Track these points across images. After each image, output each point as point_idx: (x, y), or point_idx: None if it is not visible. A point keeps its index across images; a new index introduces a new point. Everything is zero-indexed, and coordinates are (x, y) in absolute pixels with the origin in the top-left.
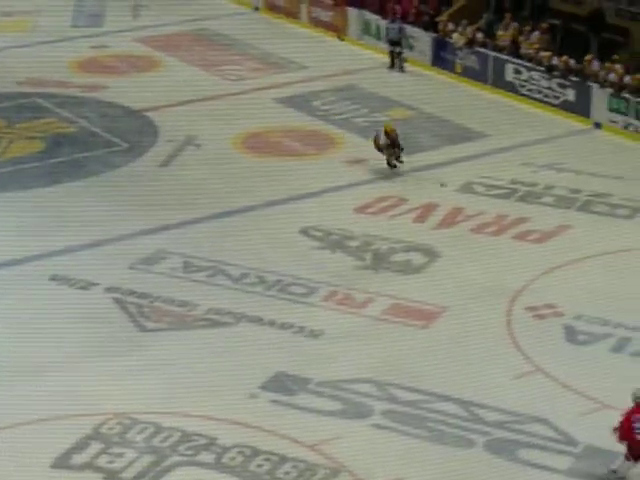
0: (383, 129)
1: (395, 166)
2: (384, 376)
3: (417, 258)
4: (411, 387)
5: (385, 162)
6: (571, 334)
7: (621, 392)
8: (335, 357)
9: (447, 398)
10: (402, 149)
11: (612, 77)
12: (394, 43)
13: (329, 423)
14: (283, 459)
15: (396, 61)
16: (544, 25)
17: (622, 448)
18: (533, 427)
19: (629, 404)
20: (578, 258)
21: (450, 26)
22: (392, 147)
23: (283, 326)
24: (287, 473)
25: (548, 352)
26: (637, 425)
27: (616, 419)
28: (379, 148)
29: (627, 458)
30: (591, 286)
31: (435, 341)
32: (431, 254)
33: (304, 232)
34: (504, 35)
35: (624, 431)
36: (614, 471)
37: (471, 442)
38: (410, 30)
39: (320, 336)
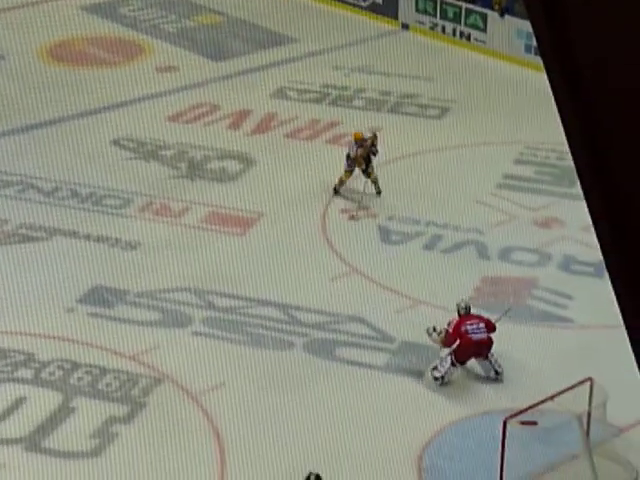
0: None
1: (380, 192)
2: (203, 284)
3: (232, 165)
4: (230, 294)
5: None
6: (385, 234)
7: (434, 288)
8: (153, 267)
9: (266, 302)
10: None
11: None
12: None
13: (149, 333)
14: (104, 371)
15: None
16: None
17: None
18: (350, 326)
19: (442, 300)
20: (389, 159)
21: None
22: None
23: (99, 239)
24: (108, 385)
25: (363, 253)
26: (471, 328)
27: (429, 316)
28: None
29: (453, 364)
30: (403, 186)
31: (252, 247)
32: (246, 161)
33: (116, 143)
34: None
35: (457, 335)
36: (438, 378)
37: (291, 344)
38: None
39: (137, 247)
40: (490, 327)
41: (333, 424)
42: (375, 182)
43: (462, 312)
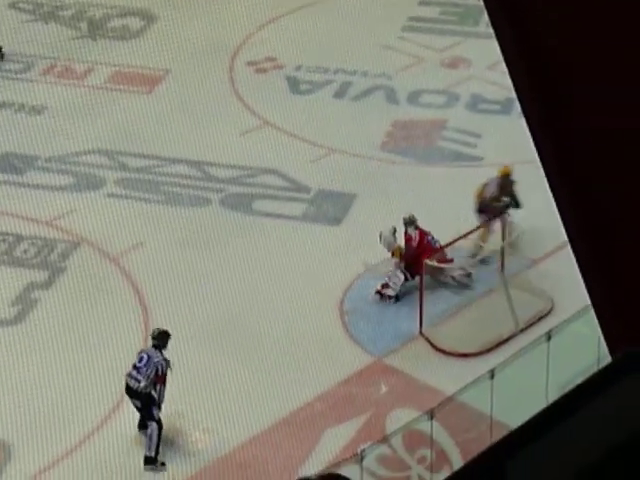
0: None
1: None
2: (113, 145)
3: (134, 22)
4: (142, 153)
5: None
6: (294, 85)
7: (347, 136)
8: (61, 131)
9: (179, 160)
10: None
11: None
12: None
13: (63, 198)
14: (19, 238)
15: None
16: None
17: None
18: (265, 179)
19: (356, 147)
20: (292, 9)
21: None
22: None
23: (3, 105)
24: (25, 251)
25: (273, 105)
26: (432, 240)
27: (343, 163)
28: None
29: (407, 278)
30: (307, 36)
31: (161, 105)
32: (148, 17)
33: (13, 6)
34: None
35: (421, 248)
36: (392, 296)
37: (207, 200)
38: None
39: (43, 112)
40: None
41: (254, 276)
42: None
43: (408, 224)
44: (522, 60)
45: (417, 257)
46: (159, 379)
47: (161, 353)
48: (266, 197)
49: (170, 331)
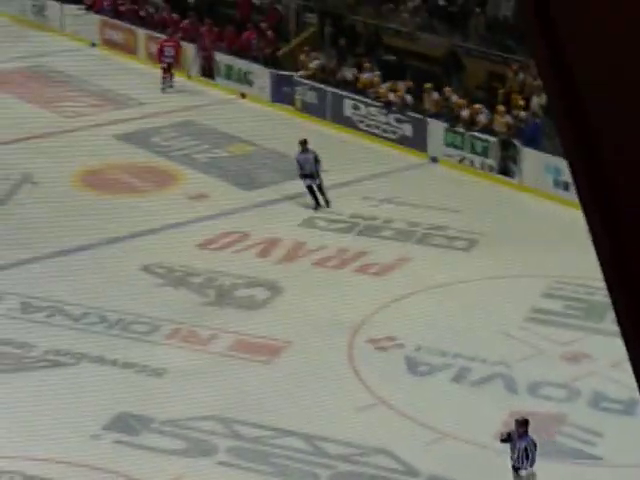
0: None
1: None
2: (228, 413)
3: (260, 293)
4: (256, 423)
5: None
6: (412, 365)
7: (462, 422)
8: (179, 395)
9: (291, 433)
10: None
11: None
12: (309, 176)
13: (174, 462)
14: None
15: (320, 196)
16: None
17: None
18: (377, 459)
19: (471, 434)
20: (417, 290)
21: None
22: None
23: (125, 365)
24: None
25: (390, 384)
26: None
27: (457, 449)
28: None
29: None
30: (430, 318)
31: (279, 376)
32: (274, 289)
33: (146, 269)
34: (346, 73)
35: None
36: None
37: (316, 476)
38: (250, 66)
39: (163, 374)
40: None
41: None
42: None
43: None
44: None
45: None
46: None
47: None
48: (376, 478)
49: None
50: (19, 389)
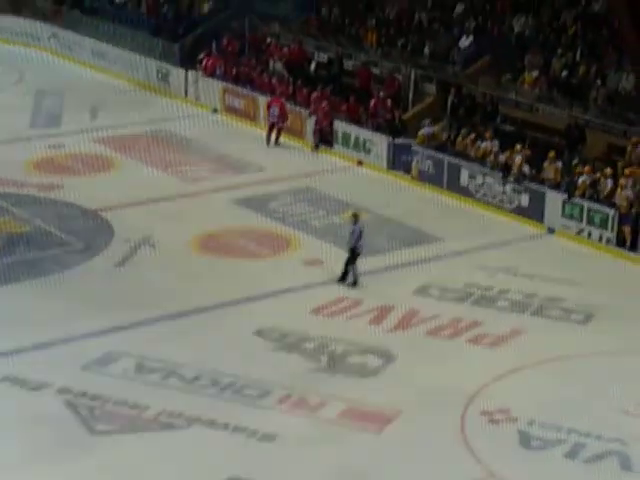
0: None
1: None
2: None
3: (373, 360)
4: None
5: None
6: (525, 439)
7: None
8: (288, 461)
9: None
10: None
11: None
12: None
13: None
14: None
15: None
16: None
17: None
18: None
19: None
20: (532, 363)
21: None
22: None
23: (236, 429)
24: None
25: (502, 457)
26: None
27: None
28: None
29: None
30: (544, 391)
31: (389, 445)
32: (387, 356)
33: (259, 333)
34: (463, 142)
35: None
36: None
37: None
38: (367, 134)
39: (273, 440)
40: None
41: None
42: None
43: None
44: None
45: None
46: None
47: None
48: None
49: None
50: (131, 450)
